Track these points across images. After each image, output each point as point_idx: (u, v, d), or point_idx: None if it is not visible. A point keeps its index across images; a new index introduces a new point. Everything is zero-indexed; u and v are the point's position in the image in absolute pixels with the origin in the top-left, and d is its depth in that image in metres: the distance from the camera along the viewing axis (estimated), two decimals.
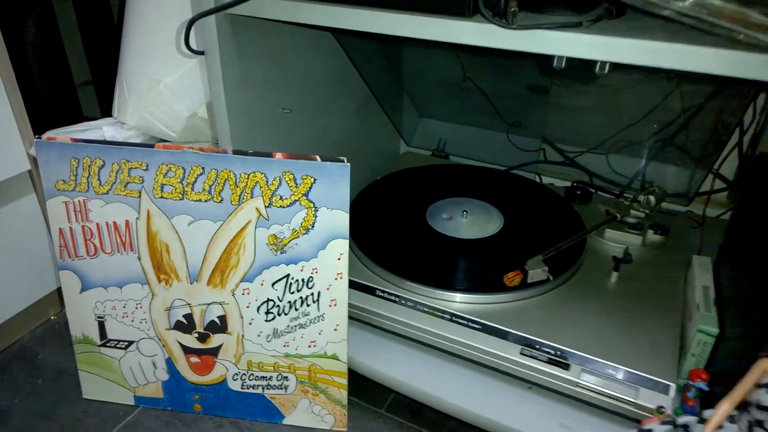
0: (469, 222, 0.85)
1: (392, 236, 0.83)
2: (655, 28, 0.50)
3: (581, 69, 0.52)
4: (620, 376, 0.64)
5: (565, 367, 0.65)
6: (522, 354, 0.67)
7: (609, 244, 0.83)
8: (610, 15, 0.53)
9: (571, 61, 0.52)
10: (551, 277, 0.74)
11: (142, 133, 0.90)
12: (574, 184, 0.96)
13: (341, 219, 0.66)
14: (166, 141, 0.89)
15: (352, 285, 0.75)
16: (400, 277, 0.75)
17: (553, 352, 0.66)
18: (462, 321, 0.71)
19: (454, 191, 0.93)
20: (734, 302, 0.66)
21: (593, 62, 0.51)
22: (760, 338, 0.47)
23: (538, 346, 0.67)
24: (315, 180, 0.65)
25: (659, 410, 0.60)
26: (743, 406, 0.45)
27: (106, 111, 1.04)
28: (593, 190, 0.95)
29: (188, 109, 0.87)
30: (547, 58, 0.52)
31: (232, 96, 0.67)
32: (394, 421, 0.80)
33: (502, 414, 0.68)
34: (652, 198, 0.84)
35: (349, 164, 0.64)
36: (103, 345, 0.78)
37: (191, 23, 0.64)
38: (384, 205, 0.90)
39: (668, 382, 0.62)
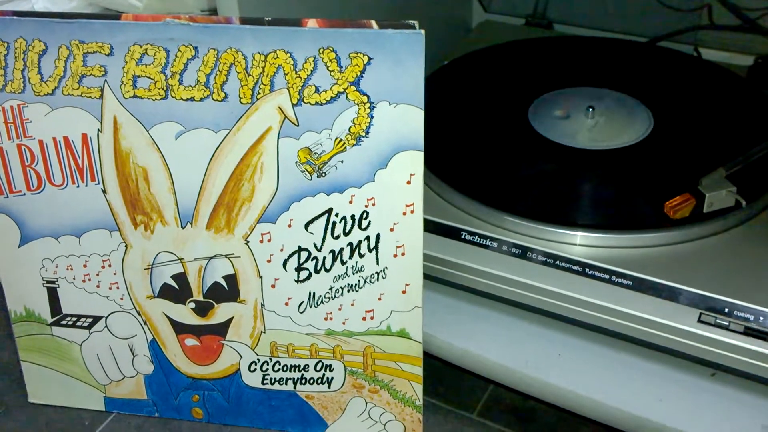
0: (598, 124, 0.85)
1: (479, 150, 0.84)
2: None
3: None
4: None
5: None
6: (701, 322, 0.66)
7: None
8: None
9: None
10: (743, 202, 0.73)
11: (89, 4, 0.91)
12: (759, 60, 0.94)
13: (412, 120, 0.65)
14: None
15: (425, 226, 0.73)
16: (496, 210, 0.76)
17: (751, 317, 0.66)
18: (599, 275, 0.71)
19: (568, 79, 0.92)
20: None
21: None
22: None
23: (726, 310, 0.66)
24: (370, 59, 0.64)
25: None
26: None
27: None
28: None
29: None
30: None
31: None
32: (492, 430, 0.81)
33: (670, 415, 0.68)
34: None
35: (423, 32, 0.63)
36: (57, 323, 0.79)
37: None
38: (460, 103, 0.91)
39: None
